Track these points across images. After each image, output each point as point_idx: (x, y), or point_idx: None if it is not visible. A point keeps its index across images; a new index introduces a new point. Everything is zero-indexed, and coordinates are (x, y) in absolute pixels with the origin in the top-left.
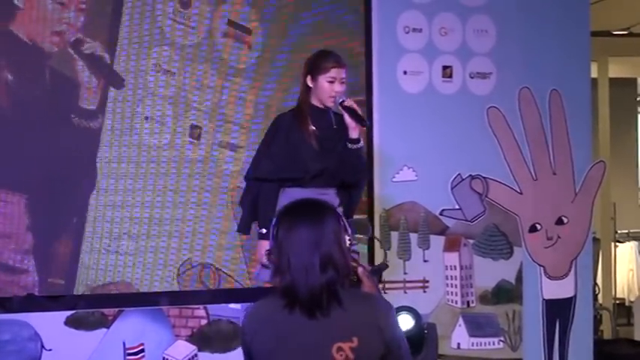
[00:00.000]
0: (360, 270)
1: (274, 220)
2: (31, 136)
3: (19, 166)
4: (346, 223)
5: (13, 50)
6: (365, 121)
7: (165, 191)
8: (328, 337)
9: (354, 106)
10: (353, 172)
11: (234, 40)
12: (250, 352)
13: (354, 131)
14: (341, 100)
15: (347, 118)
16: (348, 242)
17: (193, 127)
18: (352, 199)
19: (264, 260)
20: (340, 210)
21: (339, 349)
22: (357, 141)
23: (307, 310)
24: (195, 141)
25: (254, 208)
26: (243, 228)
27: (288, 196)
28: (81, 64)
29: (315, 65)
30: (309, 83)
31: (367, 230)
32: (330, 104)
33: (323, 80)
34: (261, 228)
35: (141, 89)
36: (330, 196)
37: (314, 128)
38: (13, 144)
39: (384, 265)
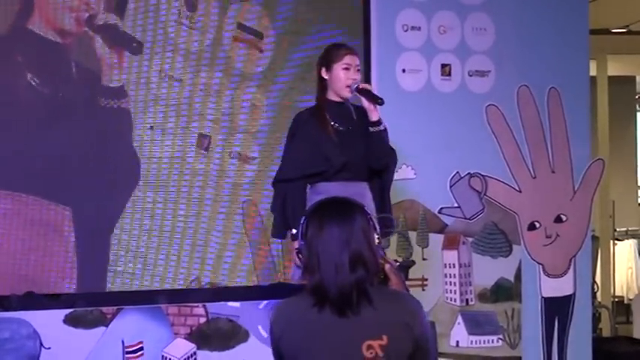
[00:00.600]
0: (387, 267)
1: (303, 218)
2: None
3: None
4: (375, 222)
5: (34, 49)
6: (380, 98)
7: (169, 202)
8: (358, 335)
9: (368, 87)
10: (379, 156)
11: (245, 43)
12: (280, 351)
13: (374, 114)
14: (356, 86)
15: (364, 102)
16: (377, 240)
17: (202, 136)
18: (385, 185)
19: (298, 261)
20: (373, 205)
21: (369, 347)
22: (378, 123)
23: (337, 309)
24: (204, 152)
25: (284, 210)
26: (277, 233)
27: (319, 191)
28: (99, 41)
29: (329, 56)
30: (325, 75)
31: (392, 225)
32: (346, 94)
33: (338, 69)
34: (291, 228)
35: (142, 97)
36: (362, 189)
37: (333, 123)
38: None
39: (411, 262)
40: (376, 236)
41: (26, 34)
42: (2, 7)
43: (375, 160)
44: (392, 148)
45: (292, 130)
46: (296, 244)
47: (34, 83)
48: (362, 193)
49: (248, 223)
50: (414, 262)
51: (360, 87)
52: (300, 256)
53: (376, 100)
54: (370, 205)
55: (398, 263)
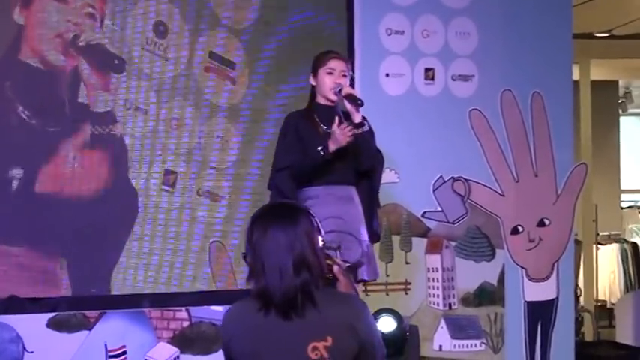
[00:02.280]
0: (335, 268)
1: (249, 223)
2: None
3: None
4: (319, 224)
5: (27, 80)
6: (359, 100)
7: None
8: (303, 337)
9: (350, 89)
10: (365, 157)
11: (216, 74)
12: (229, 354)
13: (356, 116)
14: (339, 89)
15: (347, 105)
16: (321, 242)
17: (168, 172)
18: (373, 187)
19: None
20: (360, 209)
21: (314, 348)
22: (362, 125)
23: (282, 312)
24: (171, 188)
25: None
26: None
27: (307, 196)
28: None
29: (315, 62)
30: (312, 81)
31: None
32: (332, 97)
33: (323, 73)
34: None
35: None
36: (350, 193)
37: (323, 126)
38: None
39: (360, 263)
40: (321, 239)
41: (16, 64)
42: None
43: (362, 162)
44: (378, 151)
45: (284, 130)
46: None
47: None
48: (350, 197)
49: (215, 265)
50: (362, 263)
51: (344, 92)
52: (246, 260)
53: (356, 102)
54: (358, 209)
55: (348, 264)
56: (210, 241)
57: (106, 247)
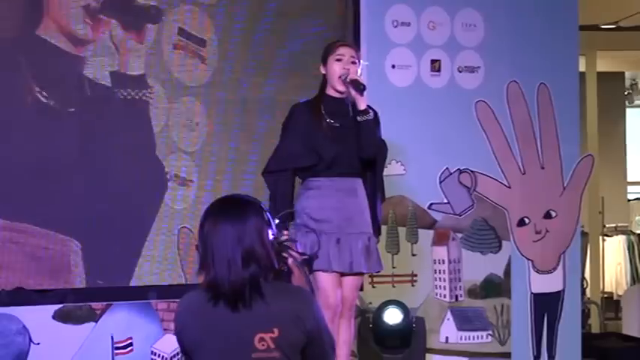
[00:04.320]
0: (290, 261)
1: (202, 217)
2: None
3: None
4: (270, 218)
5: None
6: (362, 84)
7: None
8: (250, 328)
9: (355, 76)
10: (368, 145)
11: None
12: (182, 343)
13: (361, 103)
14: (345, 77)
15: (352, 91)
16: (271, 236)
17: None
18: (376, 177)
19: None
20: (366, 201)
21: (261, 339)
22: (366, 112)
23: (230, 304)
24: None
25: (275, 202)
26: None
27: (310, 187)
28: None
29: (325, 51)
30: (323, 71)
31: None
32: (340, 87)
33: (332, 60)
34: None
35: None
36: (355, 184)
37: (328, 119)
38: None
39: (315, 256)
40: (271, 232)
41: (35, 42)
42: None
43: (364, 150)
44: (382, 140)
45: (286, 123)
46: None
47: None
48: (354, 188)
49: (183, 252)
50: (317, 256)
51: (348, 79)
52: (198, 251)
53: (358, 87)
54: (360, 202)
55: (305, 257)
56: (178, 227)
57: (128, 236)
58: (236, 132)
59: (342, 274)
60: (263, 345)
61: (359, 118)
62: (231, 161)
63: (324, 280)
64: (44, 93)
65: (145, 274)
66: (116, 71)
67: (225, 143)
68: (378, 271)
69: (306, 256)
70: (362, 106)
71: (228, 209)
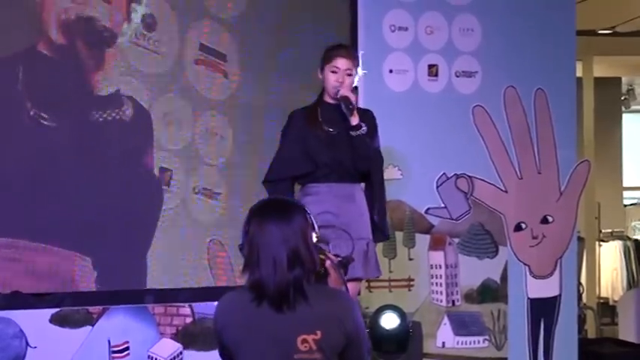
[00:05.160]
0: (327, 263)
1: (246, 216)
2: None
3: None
4: (313, 221)
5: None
6: (350, 105)
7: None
8: (293, 329)
9: (346, 93)
10: (361, 159)
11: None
12: (222, 343)
13: (352, 119)
14: (337, 91)
15: (343, 107)
16: (315, 239)
17: (162, 170)
18: (373, 189)
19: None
20: (365, 207)
21: (304, 340)
22: (358, 127)
23: (274, 305)
24: (166, 187)
25: None
26: None
27: (308, 192)
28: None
29: (324, 57)
30: (320, 76)
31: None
32: (333, 96)
33: (328, 70)
34: None
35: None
36: (353, 190)
37: (325, 127)
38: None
39: (351, 259)
40: (315, 235)
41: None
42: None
43: (359, 164)
44: (378, 151)
45: (284, 130)
46: None
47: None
48: (352, 194)
49: (215, 265)
50: (352, 259)
51: (339, 95)
52: (242, 252)
53: (347, 107)
54: (358, 207)
55: (339, 258)
56: (208, 240)
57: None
58: (260, 144)
59: None
60: (305, 346)
61: (352, 133)
62: (258, 172)
63: None
64: (44, 107)
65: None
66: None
67: (250, 155)
68: (377, 277)
69: (340, 258)
70: (354, 122)
71: (274, 210)
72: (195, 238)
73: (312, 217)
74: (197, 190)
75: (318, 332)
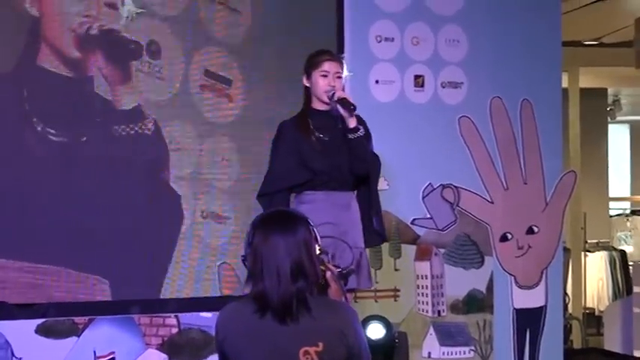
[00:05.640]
0: (328, 274)
1: (249, 227)
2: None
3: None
4: (317, 233)
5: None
6: (352, 105)
7: None
8: (296, 341)
9: (343, 94)
10: (360, 162)
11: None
12: (223, 353)
13: (351, 121)
14: (331, 94)
15: (340, 109)
16: (318, 251)
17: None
18: (371, 192)
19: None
20: (358, 216)
21: (306, 352)
22: (356, 129)
23: (278, 316)
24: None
25: None
26: None
27: (303, 200)
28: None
29: (309, 63)
30: (307, 83)
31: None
32: (325, 99)
33: (317, 75)
34: None
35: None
36: (348, 199)
37: (316, 133)
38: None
39: (351, 270)
40: (317, 247)
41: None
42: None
43: (357, 167)
44: (375, 154)
45: (276, 140)
46: None
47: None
48: (347, 203)
49: (225, 287)
50: (353, 270)
51: (336, 97)
52: (245, 263)
53: (349, 107)
54: (355, 216)
55: (339, 269)
56: (218, 263)
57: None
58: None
59: None
60: (307, 358)
61: (350, 136)
62: None
63: None
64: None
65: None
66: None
67: (258, 178)
68: (369, 287)
69: (340, 269)
70: (352, 124)
71: (278, 222)
72: (205, 262)
73: (315, 229)
74: (205, 215)
75: (320, 344)
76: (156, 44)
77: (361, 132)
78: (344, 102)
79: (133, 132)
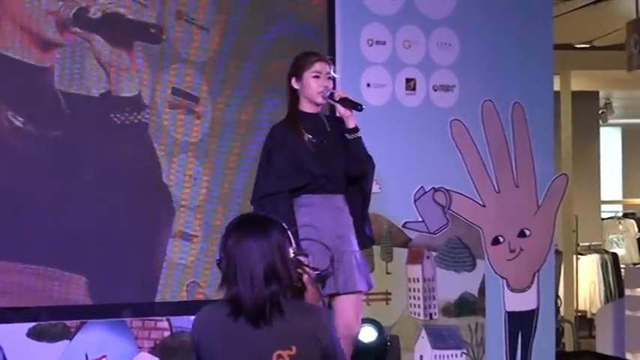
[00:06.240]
0: (305, 277)
1: (224, 231)
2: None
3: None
4: (291, 236)
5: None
6: (360, 104)
7: None
8: (269, 345)
9: (345, 94)
10: (358, 162)
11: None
12: (198, 355)
13: (351, 121)
14: (329, 94)
15: (340, 109)
16: (292, 254)
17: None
18: (365, 193)
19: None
20: (350, 218)
21: (279, 356)
22: (355, 130)
23: (251, 320)
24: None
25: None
26: None
27: (301, 204)
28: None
29: (298, 64)
30: (296, 85)
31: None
32: (320, 101)
33: (308, 77)
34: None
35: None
36: (342, 202)
37: (309, 136)
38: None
39: (329, 273)
40: (292, 251)
41: None
42: None
43: (354, 168)
44: (369, 155)
45: (269, 145)
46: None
47: (17, 122)
48: (342, 205)
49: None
50: (331, 273)
51: (336, 96)
52: (220, 267)
53: (356, 107)
54: (349, 218)
55: (317, 272)
56: (187, 282)
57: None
58: (235, 187)
59: (336, 295)
60: None
61: (348, 136)
62: (234, 213)
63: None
64: (19, 118)
65: None
66: (105, 92)
67: (226, 197)
68: (365, 290)
69: (318, 272)
70: (351, 124)
71: (251, 225)
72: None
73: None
74: (174, 234)
75: (294, 348)
76: None
77: (360, 133)
78: (346, 101)
79: (127, 121)
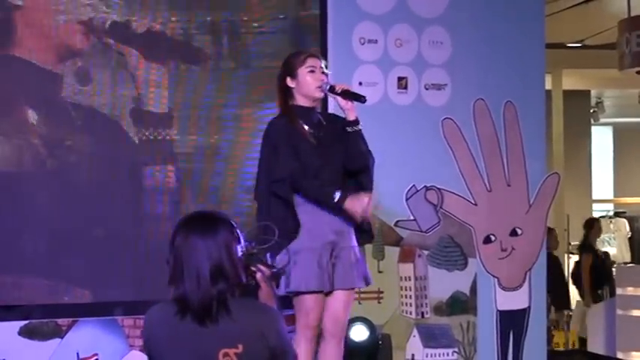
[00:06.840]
0: (258, 275)
1: (173, 229)
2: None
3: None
4: (239, 234)
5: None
6: (363, 96)
7: None
8: (215, 343)
9: (347, 86)
10: (358, 156)
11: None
12: (149, 353)
13: (351, 113)
14: (329, 87)
15: (341, 102)
16: (240, 252)
17: None
18: (364, 186)
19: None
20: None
21: (225, 354)
22: (356, 122)
23: (197, 318)
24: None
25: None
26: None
27: (301, 201)
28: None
29: (292, 63)
30: (290, 84)
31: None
32: (318, 95)
33: (304, 73)
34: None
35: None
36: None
37: (307, 127)
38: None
39: (282, 271)
40: (240, 248)
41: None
42: None
43: (354, 161)
44: (368, 148)
45: (271, 140)
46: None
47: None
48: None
49: None
50: (285, 272)
51: (337, 89)
52: (168, 264)
53: (359, 98)
54: (345, 213)
55: (274, 269)
56: None
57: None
58: (235, 187)
59: (330, 292)
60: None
61: (349, 129)
62: (231, 213)
63: (309, 298)
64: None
65: None
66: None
67: (225, 197)
68: (361, 287)
69: (275, 270)
70: (352, 117)
71: (199, 223)
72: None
73: (238, 231)
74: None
75: (240, 346)
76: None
77: (360, 125)
78: (348, 93)
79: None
